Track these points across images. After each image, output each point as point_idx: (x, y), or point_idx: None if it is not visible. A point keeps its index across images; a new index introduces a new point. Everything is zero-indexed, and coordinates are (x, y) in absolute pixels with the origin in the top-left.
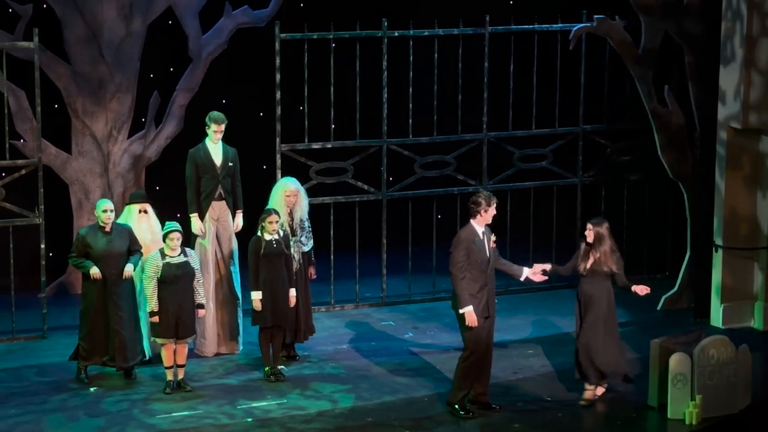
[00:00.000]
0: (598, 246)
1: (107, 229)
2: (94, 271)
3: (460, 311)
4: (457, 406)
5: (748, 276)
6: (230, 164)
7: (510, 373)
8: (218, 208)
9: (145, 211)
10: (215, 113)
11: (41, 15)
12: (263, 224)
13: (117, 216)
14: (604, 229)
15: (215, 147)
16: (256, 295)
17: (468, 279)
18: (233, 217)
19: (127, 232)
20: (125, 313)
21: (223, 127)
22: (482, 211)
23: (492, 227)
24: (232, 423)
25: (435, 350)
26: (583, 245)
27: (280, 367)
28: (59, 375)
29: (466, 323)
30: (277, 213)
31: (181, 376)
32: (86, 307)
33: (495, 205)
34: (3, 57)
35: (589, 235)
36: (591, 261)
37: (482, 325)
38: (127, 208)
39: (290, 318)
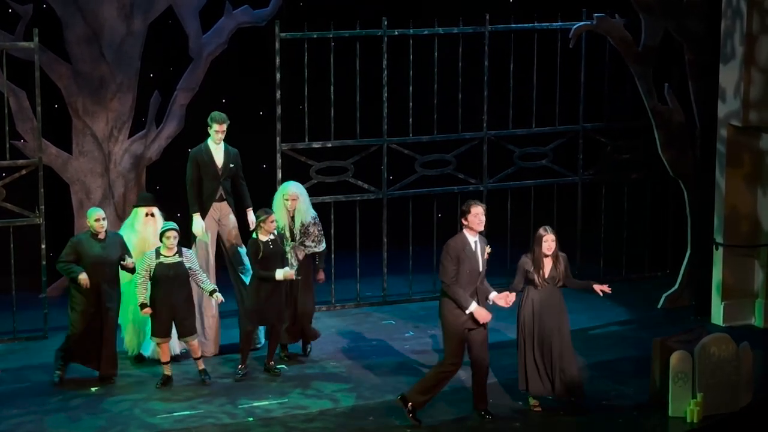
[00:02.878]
0: (556, 254)
1: (101, 236)
2: (83, 277)
3: (467, 311)
4: (411, 407)
5: (749, 274)
6: (231, 165)
7: (510, 372)
8: (219, 209)
9: (152, 215)
10: (217, 113)
11: (41, 15)
12: (262, 225)
13: (124, 219)
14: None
15: (217, 148)
16: (279, 274)
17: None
18: (235, 216)
19: (120, 241)
20: (112, 321)
21: (225, 127)
22: (464, 219)
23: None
24: (233, 422)
25: (436, 349)
26: (534, 256)
27: (279, 366)
28: None
29: (480, 321)
30: (273, 214)
31: (201, 367)
32: (75, 315)
33: (480, 210)
34: (3, 57)
35: (552, 246)
36: (548, 270)
37: (465, 336)
38: (134, 210)
39: (283, 318)
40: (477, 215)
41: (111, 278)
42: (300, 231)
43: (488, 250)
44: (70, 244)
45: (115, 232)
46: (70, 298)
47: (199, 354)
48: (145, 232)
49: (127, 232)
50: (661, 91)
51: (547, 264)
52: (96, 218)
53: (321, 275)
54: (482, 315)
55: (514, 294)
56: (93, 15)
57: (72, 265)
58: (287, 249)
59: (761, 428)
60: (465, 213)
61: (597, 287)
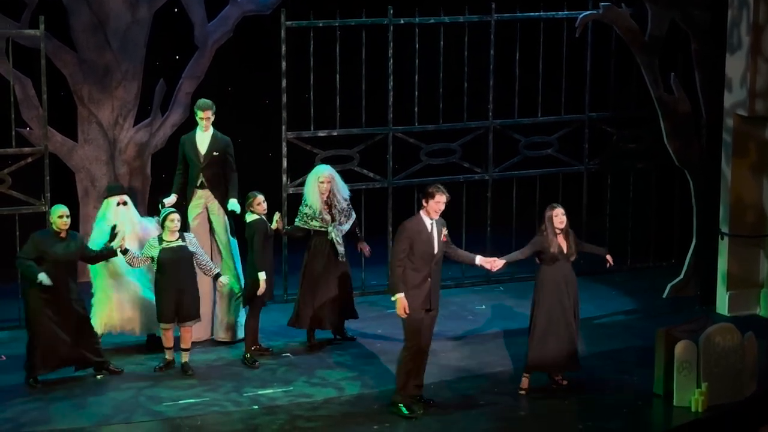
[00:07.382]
0: (567, 230)
1: (63, 234)
2: (43, 278)
3: (392, 298)
4: (401, 406)
5: (754, 263)
6: (216, 153)
7: (515, 360)
8: (203, 195)
9: (124, 203)
10: (201, 101)
11: (47, 2)
12: (249, 208)
13: (96, 210)
14: None
15: (203, 135)
16: (263, 275)
17: (408, 269)
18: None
19: (80, 239)
20: (83, 313)
21: (209, 113)
22: (424, 201)
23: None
24: (238, 410)
25: (440, 337)
26: (551, 230)
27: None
28: None
29: (397, 311)
30: (262, 195)
31: (185, 359)
32: (33, 315)
33: (443, 199)
34: (9, 45)
35: (564, 220)
36: (566, 245)
37: (422, 317)
38: (105, 202)
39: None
40: (438, 203)
41: (71, 276)
42: (338, 212)
43: (445, 232)
44: (33, 240)
45: (75, 232)
46: (26, 304)
47: (188, 345)
48: (120, 222)
49: (100, 225)
50: (667, 80)
51: (561, 240)
52: (60, 215)
53: (365, 247)
54: (400, 305)
55: (503, 261)
56: (98, 3)
57: (32, 264)
58: (330, 231)
59: (766, 418)
60: (428, 197)
61: (609, 257)
